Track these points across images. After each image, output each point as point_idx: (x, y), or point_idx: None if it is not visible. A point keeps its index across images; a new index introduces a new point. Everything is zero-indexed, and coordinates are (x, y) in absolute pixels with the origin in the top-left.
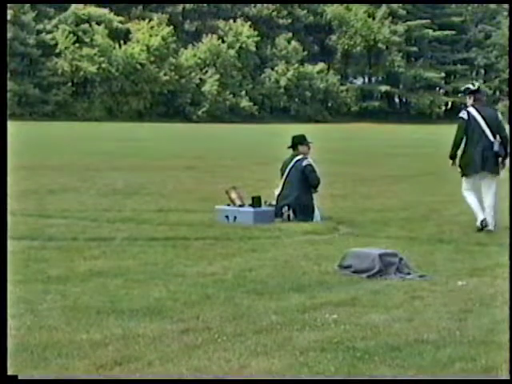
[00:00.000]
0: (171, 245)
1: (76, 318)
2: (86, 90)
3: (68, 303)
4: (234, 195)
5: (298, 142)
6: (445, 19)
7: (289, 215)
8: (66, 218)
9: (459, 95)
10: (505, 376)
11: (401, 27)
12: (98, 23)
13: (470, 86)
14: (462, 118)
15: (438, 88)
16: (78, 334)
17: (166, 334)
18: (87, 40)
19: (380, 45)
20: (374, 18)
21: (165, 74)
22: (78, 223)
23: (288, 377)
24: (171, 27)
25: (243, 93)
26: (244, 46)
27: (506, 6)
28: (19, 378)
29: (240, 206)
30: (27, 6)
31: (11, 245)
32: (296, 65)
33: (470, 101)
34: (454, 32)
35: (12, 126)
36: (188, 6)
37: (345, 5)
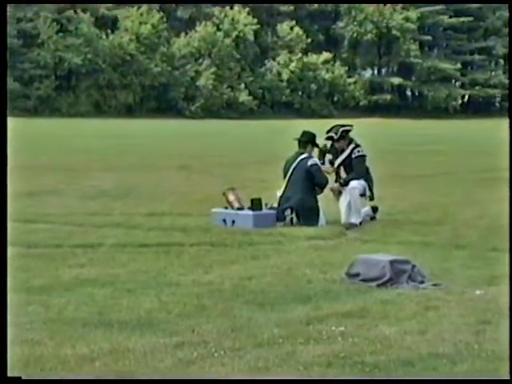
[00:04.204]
0: (164, 251)
1: (60, 331)
2: (71, 83)
3: (52, 315)
4: (232, 197)
5: (310, 140)
6: (460, 5)
7: (292, 219)
8: (50, 223)
9: (476, 88)
10: (505, 376)
11: (413, 14)
12: (83, 10)
13: (349, 128)
14: (366, 155)
15: (453, 80)
16: (63, 348)
17: (158, 348)
18: (71, 29)
19: (394, 32)
20: (385, 4)
21: (156, 66)
22: (63, 228)
23: (288, 377)
24: (162, 14)
25: (242, 86)
26: (242, 34)
27: None
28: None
29: (239, 208)
30: None
31: None
32: (299, 55)
33: (345, 142)
34: (470, 19)
35: None
36: None
37: None
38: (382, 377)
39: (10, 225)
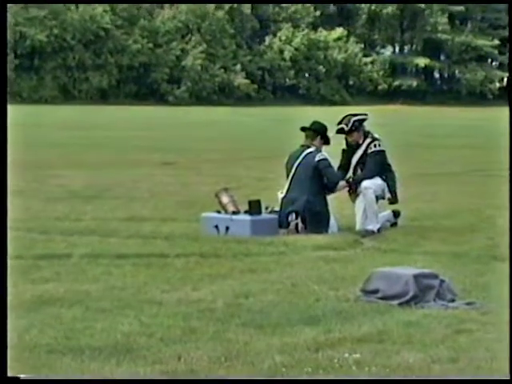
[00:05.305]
0: (144, 264)
1: (22, 359)
2: (34, 63)
3: (11, 339)
4: (225, 199)
5: (319, 132)
6: None
7: (297, 225)
8: (9, 230)
9: None
10: (505, 376)
11: None
12: None
13: (363, 117)
14: (384, 150)
15: (490, 60)
16: None
17: (138, 378)
18: None
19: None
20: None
21: (135, 43)
22: (24, 236)
23: (288, 377)
24: None
25: (237, 67)
26: (237, 5)
27: None
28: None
29: (234, 212)
30: None
31: None
32: (306, 30)
33: (359, 135)
34: None
35: None
36: None
37: None
38: (383, 377)
39: None
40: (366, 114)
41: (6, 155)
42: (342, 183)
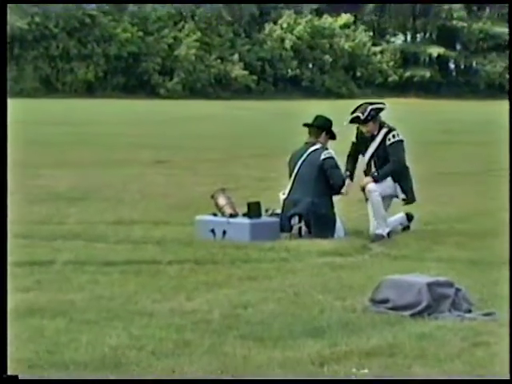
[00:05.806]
0: (134, 271)
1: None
2: (14, 53)
3: None
4: (222, 201)
5: (324, 127)
6: None
7: (300, 229)
8: None
9: None
10: (505, 376)
11: None
12: None
13: (380, 106)
14: (403, 140)
15: (510, 49)
16: None
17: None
18: None
19: None
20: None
21: (124, 31)
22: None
23: (288, 377)
24: None
25: (235, 57)
26: None
27: None
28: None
29: (231, 215)
30: None
31: None
32: (309, 16)
33: (375, 125)
34: None
35: None
36: None
37: None
38: (382, 377)
39: None
40: (383, 104)
41: (6, 155)
42: (368, 179)
